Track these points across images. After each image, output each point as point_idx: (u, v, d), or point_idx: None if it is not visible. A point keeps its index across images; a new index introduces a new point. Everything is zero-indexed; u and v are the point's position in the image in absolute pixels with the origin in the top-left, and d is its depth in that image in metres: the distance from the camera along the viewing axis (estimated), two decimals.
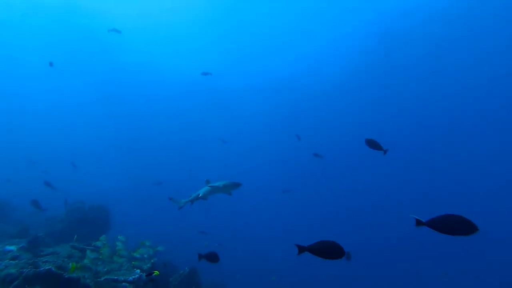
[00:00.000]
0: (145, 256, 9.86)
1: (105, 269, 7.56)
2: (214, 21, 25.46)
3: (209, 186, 7.39)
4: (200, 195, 7.56)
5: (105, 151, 34.67)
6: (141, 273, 7.33)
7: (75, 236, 9.37)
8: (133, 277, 6.99)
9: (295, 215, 28.78)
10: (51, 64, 18.30)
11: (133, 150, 35.55)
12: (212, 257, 6.02)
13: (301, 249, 3.30)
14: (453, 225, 2.94)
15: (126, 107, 34.44)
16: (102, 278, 6.90)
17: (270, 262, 20.68)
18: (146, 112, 34.97)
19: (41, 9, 24.54)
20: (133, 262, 8.75)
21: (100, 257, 8.75)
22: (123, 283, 6.78)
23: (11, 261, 7.21)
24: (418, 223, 3.11)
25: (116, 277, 6.92)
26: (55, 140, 34.76)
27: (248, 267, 19.30)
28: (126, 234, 11.42)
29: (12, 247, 8.31)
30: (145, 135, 35.89)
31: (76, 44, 27.92)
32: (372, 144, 6.23)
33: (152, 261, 9.45)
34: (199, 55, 29.08)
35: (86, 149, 34.39)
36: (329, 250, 3.17)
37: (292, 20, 24.17)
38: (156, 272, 5.81)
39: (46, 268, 6.31)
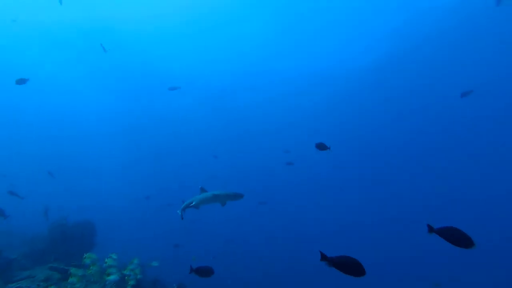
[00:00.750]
0: (131, 274, 9.42)
1: None
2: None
3: (212, 194, 6.96)
4: (194, 203, 7.12)
5: (96, 165, 33.62)
6: None
7: (53, 256, 8.72)
8: None
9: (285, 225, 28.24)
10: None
11: (124, 164, 34.63)
12: (204, 272, 5.71)
13: (324, 257, 3.30)
14: (457, 237, 3.38)
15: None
16: None
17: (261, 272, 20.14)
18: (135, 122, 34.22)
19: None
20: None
21: (87, 277, 8.26)
22: None
23: None
24: (430, 229, 3.48)
25: None
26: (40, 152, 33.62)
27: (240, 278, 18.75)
28: (114, 251, 10.94)
29: None
30: (136, 146, 34.98)
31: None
32: (320, 146, 6.87)
33: (137, 277, 8.99)
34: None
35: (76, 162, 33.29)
36: (349, 266, 3.20)
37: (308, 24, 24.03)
38: None
39: None
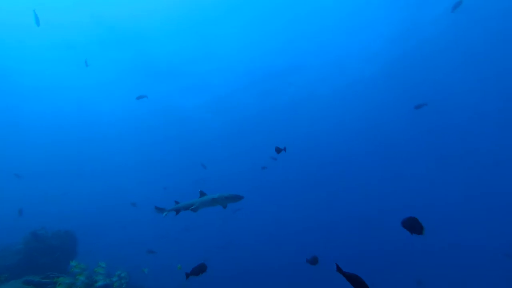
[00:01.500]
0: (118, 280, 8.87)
1: None
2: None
3: (212, 197, 6.62)
4: (194, 206, 6.70)
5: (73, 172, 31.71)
6: None
7: (29, 269, 7.79)
8: None
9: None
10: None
11: (102, 171, 32.85)
12: (198, 270, 5.69)
13: (339, 269, 3.38)
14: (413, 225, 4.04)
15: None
16: None
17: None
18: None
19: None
20: None
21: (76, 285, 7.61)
22: None
23: None
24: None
25: None
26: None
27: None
28: (97, 259, 10.18)
29: None
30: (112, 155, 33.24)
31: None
32: (277, 149, 7.45)
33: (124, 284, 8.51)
34: None
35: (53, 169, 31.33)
36: (358, 284, 3.29)
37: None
38: None
39: None
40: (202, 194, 6.89)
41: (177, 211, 6.91)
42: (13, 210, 14.50)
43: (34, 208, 21.90)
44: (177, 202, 7.03)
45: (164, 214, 7.04)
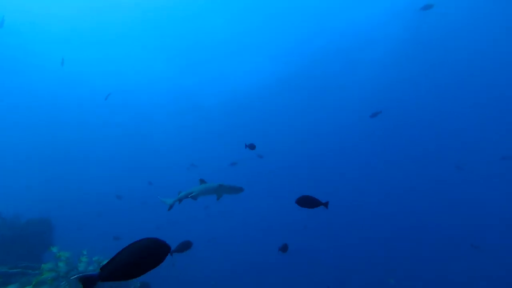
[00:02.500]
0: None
1: None
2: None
3: (212, 186, 6.66)
4: (194, 193, 6.72)
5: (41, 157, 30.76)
6: None
7: None
8: None
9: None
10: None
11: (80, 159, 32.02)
12: (183, 247, 5.83)
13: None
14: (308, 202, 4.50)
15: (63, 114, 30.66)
16: None
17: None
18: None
19: None
20: None
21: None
22: None
23: None
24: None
25: None
26: None
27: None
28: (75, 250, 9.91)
29: None
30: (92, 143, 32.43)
31: None
32: (251, 146, 8.11)
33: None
34: None
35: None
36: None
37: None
38: None
39: None
40: (202, 182, 6.88)
41: (180, 200, 6.99)
42: None
43: (13, 195, 21.39)
44: (180, 193, 7.09)
45: (168, 209, 7.11)
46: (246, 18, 23.79)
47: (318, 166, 31.43)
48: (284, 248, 7.01)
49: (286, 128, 31.98)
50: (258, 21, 23.94)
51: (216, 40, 25.87)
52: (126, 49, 26.67)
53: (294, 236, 23.10)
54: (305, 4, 22.18)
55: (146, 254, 1.89)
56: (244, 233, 25.68)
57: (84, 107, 30.08)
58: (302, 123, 31.54)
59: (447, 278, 19.73)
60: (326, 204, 4.46)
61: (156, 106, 31.76)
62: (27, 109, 29.23)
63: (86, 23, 23.58)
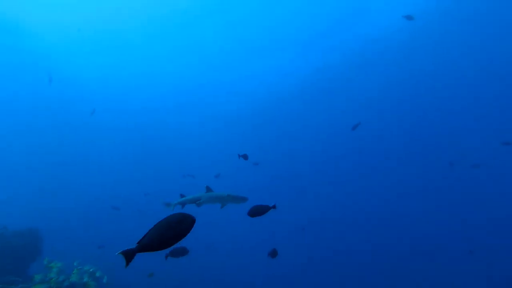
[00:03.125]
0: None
1: None
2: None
3: (219, 195, 6.79)
4: (201, 200, 6.77)
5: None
6: None
7: None
8: None
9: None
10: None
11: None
12: (179, 253, 5.82)
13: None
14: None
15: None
16: None
17: None
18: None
19: None
20: None
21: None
22: None
23: None
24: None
25: None
26: None
27: None
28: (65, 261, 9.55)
29: None
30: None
31: None
32: (244, 156, 8.30)
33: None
34: None
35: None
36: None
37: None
38: None
39: None
40: (208, 189, 6.95)
41: (183, 204, 7.01)
42: None
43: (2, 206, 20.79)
44: (182, 196, 7.09)
45: (172, 208, 7.16)
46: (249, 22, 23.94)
47: (318, 169, 31.30)
48: (273, 254, 6.84)
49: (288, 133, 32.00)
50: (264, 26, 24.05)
51: (219, 44, 25.87)
52: (126, 52, 26.55)
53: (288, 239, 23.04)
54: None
55: (176, 224, 2.26)
56: (241, 237, 25.31)
57: (76, 112, 29.63)
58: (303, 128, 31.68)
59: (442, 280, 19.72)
60: (274, 207, 4.78)
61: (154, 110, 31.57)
62: (13, 115, 28.86)
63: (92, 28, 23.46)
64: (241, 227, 25.05)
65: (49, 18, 22.62)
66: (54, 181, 28.05)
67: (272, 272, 19.27)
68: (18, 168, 28.69)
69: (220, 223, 25.52)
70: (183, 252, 5.93)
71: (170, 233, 2.23)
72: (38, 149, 29.72)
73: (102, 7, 22.45)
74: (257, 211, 4.69)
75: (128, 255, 2.20)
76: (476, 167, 16.56)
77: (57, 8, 22.08)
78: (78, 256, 10.77)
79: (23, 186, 26.78)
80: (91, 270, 9.38)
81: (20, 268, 10.28)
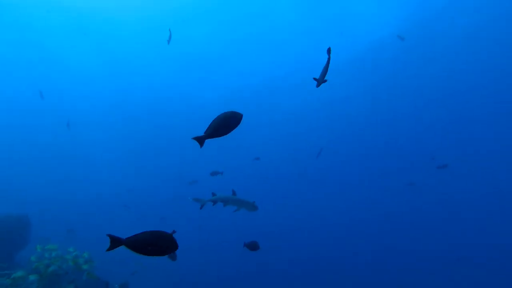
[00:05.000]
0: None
1: None
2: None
3: (246, 201, 7.40)
4: (229, 203, 7.47)
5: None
6: None
7: None
8: None
9: None
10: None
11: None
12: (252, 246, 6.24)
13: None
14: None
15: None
16: None
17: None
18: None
19: None
20: None
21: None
22: None
23: None
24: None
25: None
26: None
27: None
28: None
29: None
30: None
31: None
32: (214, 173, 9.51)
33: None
34: None
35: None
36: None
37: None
38: None
39: None
40: (233, 193, 7.53)
41: (214, 202, 7.52)
42: None
43: None
44: (214, 194, 7.56)
45: (203, 204, 7.75)
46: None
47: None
48: (252, 246, 6.36)
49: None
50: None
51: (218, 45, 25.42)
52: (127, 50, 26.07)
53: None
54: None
55: (230, 117, 2.98)
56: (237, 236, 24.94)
57: (75, 107, 29.28)
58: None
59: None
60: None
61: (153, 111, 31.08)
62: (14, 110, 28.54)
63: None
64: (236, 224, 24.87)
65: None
66: (49, 173, 27.79)
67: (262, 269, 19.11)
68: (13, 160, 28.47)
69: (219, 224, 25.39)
70: (255, 246, 6.25)
71: (226, 122, 2.94)
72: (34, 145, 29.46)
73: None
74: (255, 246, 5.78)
75: (200, 140, 3.02)
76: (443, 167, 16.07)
77: None
78: (68, 244, 10.35)
79: (18, 176, 26.51)
80: (85, 255, 9.08)
81: (5, 254, 9.77)
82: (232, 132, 3.04)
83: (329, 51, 3.97)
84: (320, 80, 4.22)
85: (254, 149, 28.70)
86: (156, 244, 2.34)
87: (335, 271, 20.36)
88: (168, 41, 11.72)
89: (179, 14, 22.94)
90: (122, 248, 2.46)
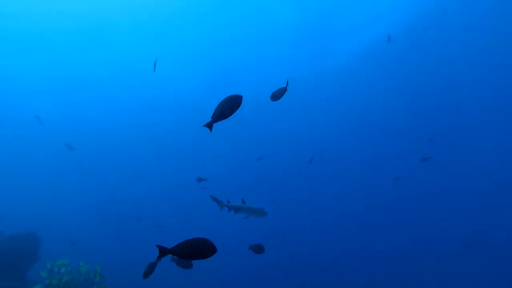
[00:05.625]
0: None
1: None
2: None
3: (259, 209, 7.76)
4: (241, 210, 7.85)
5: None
6: None
7: None
8: None
9: None
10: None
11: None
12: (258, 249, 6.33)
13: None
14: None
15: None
16: None
17: None
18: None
19: None
20: None
21: None
22: None
23: None
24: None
25: None
26: None
27: None
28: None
29: None
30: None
31: None
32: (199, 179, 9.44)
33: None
34: None
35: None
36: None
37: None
38: None
39: None
40: (243, 202, 7.94)
41: (229, 208, 7.91)
42: None
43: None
44: (228, 202, 7.95)
45: (221, 209, 8.02)
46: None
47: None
48: (257, 249, 6.51)
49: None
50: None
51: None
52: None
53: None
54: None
55: (233, 100, 3.42)
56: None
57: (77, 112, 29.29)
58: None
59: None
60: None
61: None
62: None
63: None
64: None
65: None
66: (51, 185, 27.89)
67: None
68: (14, 172, 28.49)
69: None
70: (260, 249, 6.38)
71: (228, 105, 3.31)
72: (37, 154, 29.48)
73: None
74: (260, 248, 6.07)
75: (209, 126, 3.46)
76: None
77: None
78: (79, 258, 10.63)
79: (19, 190, 26.59)
80: (97, 269, 9.38)
81: (17, 272, 10.09)
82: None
83: (287, 84, 4.65)
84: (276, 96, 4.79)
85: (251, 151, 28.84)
86: (198, 249, 2.66)
87: (331, 268, 20.67)
88: (154, 69, 12.22)
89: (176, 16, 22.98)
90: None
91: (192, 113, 30.11)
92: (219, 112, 3.36)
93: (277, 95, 4.72)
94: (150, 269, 5.06)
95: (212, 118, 3.40)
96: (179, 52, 25.40)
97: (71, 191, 28.24)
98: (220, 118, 3.39)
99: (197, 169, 29.96)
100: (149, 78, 27.60)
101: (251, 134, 31.47)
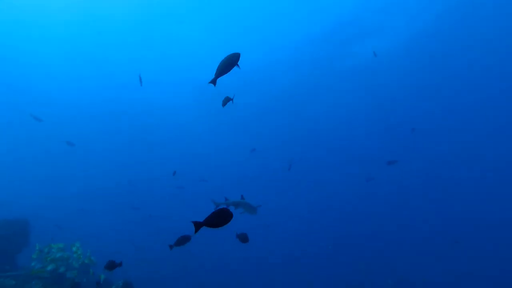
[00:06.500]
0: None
1: None
2: None
3: (257, 206, 8.26)
4: (239, 206, 8.18)
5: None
6: None
7: None
8: None
9: None
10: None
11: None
12: (183, 240, 6.01)
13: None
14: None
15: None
16: None
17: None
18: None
19: None
20: None
21: None
22: None
23: None
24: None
25: None
26: None
27: None
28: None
29: None
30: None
31: None
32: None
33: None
34: None
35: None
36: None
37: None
38: None
39: None
40: (242, 198, 8.25)
41: (227, 205, 8.11)
42: None
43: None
44: (226, 199, 8.18)
45: (217, 206, 8.21)
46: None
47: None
48: (243, 238, 6.61)
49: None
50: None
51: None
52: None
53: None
54: None
55: (231, 58, 4.02)
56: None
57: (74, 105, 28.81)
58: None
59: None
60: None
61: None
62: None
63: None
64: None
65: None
66: (43, 172, 27.65)
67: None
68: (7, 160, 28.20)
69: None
70: (186, 239, 6.14)
71: (228, 61, 3.88)
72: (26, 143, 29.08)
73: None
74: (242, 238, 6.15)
75: (213, 82, 4.23)
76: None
77: None
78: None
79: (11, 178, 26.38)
80: (88, 254, 9.37)
81: (7, 257, 10.04)
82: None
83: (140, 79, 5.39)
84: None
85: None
86: (221, 218, 3.17)
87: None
88: (140, 83, 12.37)
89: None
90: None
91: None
92: (220, 69, 3.93)
93: (224, 102, 5.29)
94: (182, 241, 5.64)
95: (215, 75, 4.02)
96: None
97: (64, 180, 28.03)
98: (222, 73, 3.97)
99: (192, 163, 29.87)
100: (145, 77, 27.17)
101: (247, 129, 31.47)
